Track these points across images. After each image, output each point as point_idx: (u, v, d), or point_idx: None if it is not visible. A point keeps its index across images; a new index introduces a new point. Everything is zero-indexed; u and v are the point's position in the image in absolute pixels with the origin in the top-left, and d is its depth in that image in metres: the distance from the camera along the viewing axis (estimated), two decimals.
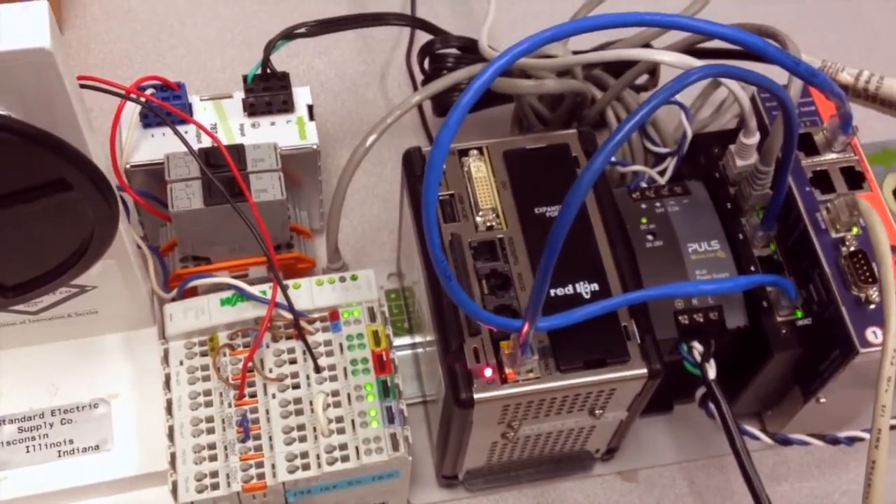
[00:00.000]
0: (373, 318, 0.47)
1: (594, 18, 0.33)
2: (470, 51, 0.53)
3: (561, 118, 0.53)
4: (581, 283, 0.42)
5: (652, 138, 0.54)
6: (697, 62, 0.41)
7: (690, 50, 0.50)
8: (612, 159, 0.52)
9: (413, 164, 0.46)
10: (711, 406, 0.44)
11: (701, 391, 0.44)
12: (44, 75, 0.33)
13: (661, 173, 0.51)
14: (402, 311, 0.55)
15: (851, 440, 0.45)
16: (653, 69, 0.56)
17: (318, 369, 0.45)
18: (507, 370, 0.40)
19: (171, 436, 0.44)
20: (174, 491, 0.43)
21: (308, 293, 0.47)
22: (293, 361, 0.46)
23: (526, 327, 0.37)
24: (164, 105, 0.48)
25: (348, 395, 0.45)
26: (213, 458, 0.44)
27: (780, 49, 0.35)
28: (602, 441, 0.47)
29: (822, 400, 0.45)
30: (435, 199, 0.35)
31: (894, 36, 0.69)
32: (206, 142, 0.50)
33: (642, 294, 0.41)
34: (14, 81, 0.32)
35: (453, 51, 0.54)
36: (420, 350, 0.51)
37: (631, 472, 0.50)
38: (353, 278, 0.48)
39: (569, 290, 0.42)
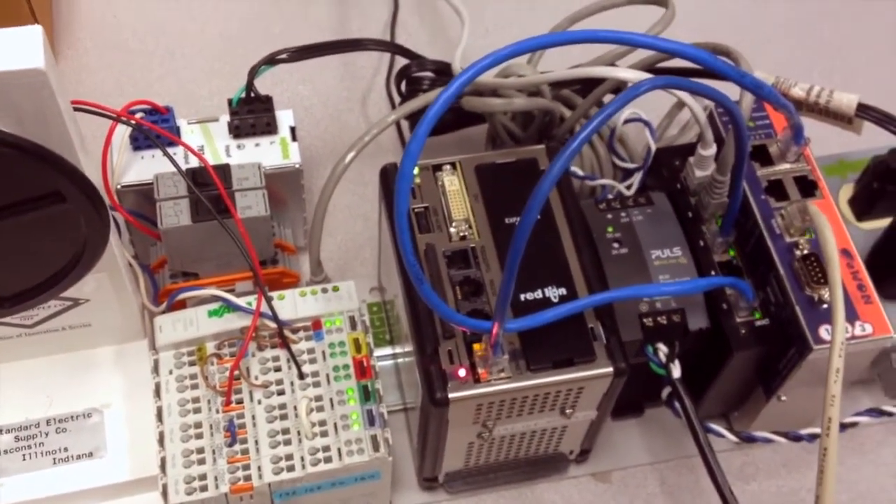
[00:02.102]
0: (353, 326, 0.49)
1: (550, 36, 0.36)
2: (444, 73, 0.56)
3: (532, 136, 0.56)
4: (549, 287, 0.44)
5: (620, 155, 0.57)
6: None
7: (651, 69, 0.52)
8: (582, 173, 0.54)
9: (389, 179, 0.48)
10: (677, 404, 0.46)
11: (667, 391, 0.47)
12: (38, 94, 0.35)
13: (629, 187, 0.54)
14: (384, 323, 0.57)
15: (813, 437, 0.48)
16: (619, 88, 0.58)
17: (301, 376, 0.48)
18: (480, 370, 0.42)
19: (161, 441, 0.46)
20: (164, 493, 0.45)
21: (292, 304, 0.49)
22: (278, 369, 0.48)
23: (495, 327, 0.40)
24: (153, 127, 0.51)
25: (331, 400, 0.47)
26: (202, 462, 0.46)
27: (727, 63, 0.38)
28: (575, 442, 0.49)
29: (784, 398, 0.47)
30: (406, 206, 0.37)
31: (853, 51, 0.72)
32: (194, 162, 0.52)
33: (606, 296, 0.43)
34: (10, 100, 0.35)
35: (429, 74, 0.56)
36: (400, 360, 0.53)
37: (604, 474, 0.52)
38: (335, 289, 0.50)
39: (538, 294, 0.44)
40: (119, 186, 0.52)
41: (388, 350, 0.55)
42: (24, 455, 0.48)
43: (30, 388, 0.50)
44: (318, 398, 0.47)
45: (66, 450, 0.48)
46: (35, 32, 0.35)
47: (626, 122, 0.55)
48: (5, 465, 0.48)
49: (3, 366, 0.50)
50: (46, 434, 0.49)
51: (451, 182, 0.47)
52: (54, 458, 0.48)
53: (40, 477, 0.48)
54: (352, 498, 0.49)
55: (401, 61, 0.60)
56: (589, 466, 0.52)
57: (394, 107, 0.66)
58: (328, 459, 0.45)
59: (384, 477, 0.47)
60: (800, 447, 0.52)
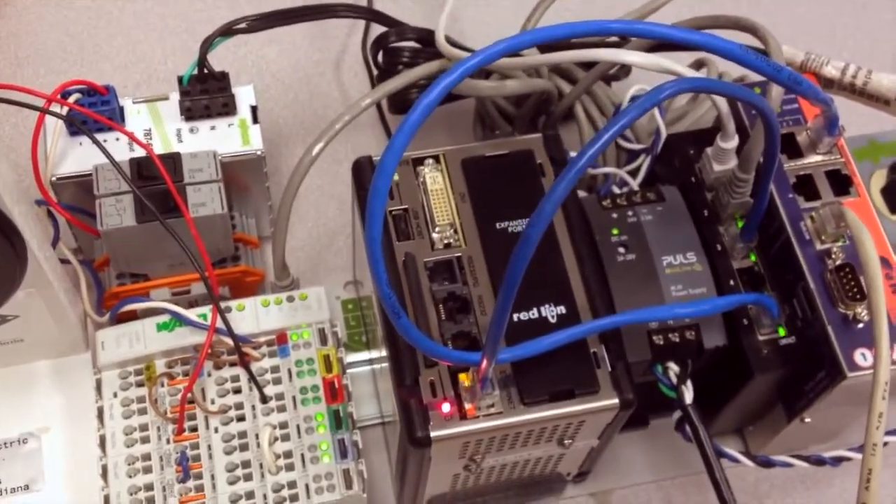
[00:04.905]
0: (324, 341, 0.44)
1: (555, 29, 0.30)
2: (428, 43, 0.49)
3: (527, 114, 0.50)
4: (546, 305, 0.38)
5: (625, 135, 0.50)
6: (667, 62, 0.37)
7: (662, 45, 0.46)
8: None
9: (363, 175, 0.42)
10: (688, 430, 0.41)
11: (678, 414, 0.41)
12: None
13: (633, 173, 0.48)
14: (360, 322, 0.51)
15: (837, 460, 0.43)
16: None
17: (264, 399, 0.42)
18: (467, 405, 0.37)
19: (104, 475, 0.41)
20: None
21: (253, 315, 0.44)
22: (237, 391, 0.43)
23: (484, 363, 0.34)
24: (90, 113, 0.44)
25: (298, 427, 0.42)
26: (151, 501, 0.40)
27: (760, 56, 0.31)
28: (573, 465, 0.44)
29: (808, 420, 0.42)
30: (379, 231, 0.31)
31: (882, 4, 0.65)
32: (141, 150, 0.46)
33: (611, 321, 0.37)
34: None
35: (409, 44, 0.50)
36: (378, 366, 0.48)
37: (605, 493, 0.47)
38: (302, 297, 0.44)
39: (533, 314, 0.38)
40: (54, 178, 0.45)
41: (364, 355, 0.50)
42: None
43: None
44: (283, 425, 0.42)
45: None
46: None
47: (633, 99, 0.49)
48: None
49: None
50: None
51: (434, 179, 0.41)
52: None
53: None
54: None
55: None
56: (588, 486, 0.47)
57: (370, 72, 0.60)
58: (294, 498, 0.40)
59: None
60: None
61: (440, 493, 0.44)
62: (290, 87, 0.60)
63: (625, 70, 0.54)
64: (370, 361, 0.49)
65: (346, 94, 0.60)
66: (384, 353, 0.43)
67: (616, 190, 0.46)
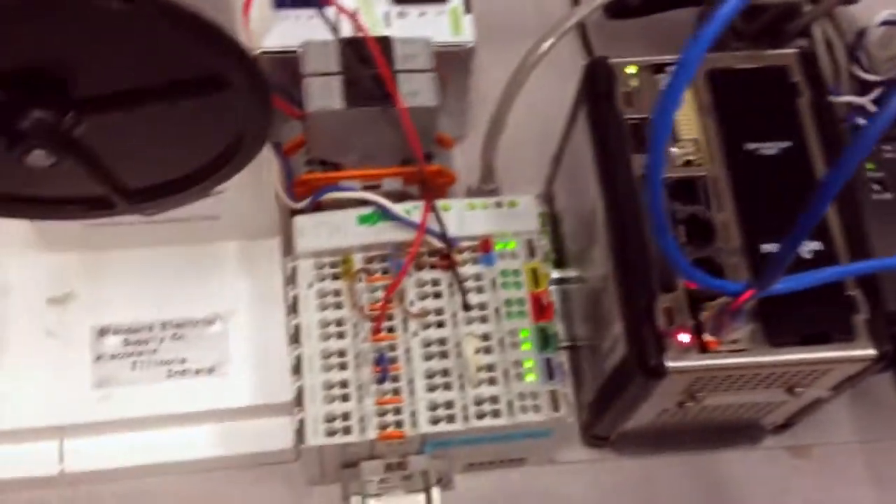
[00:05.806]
0: (532, 253, 0.41)
1: None
2: None
3: (757, 30, 0.45)
4: None
5: (861, 62, 0.46)
6: None
7: None
8: None
9: (597, 79, 0.39)
10: None
11: None
12: None
13: (875, 102, 0.43)
14: (551, 238, 0.48)
15: None
16: None
17: (467, 307, 0.40)
18: (708, 337, 0.34)
19: (297, 368, 0.39)
20: (300, 431, 0.38)
21: (457, 217, 0.41)
22: (438, 295, 0.40)
23: (750, 292, 0.31)
24: None
25: (501, 341, 0.39)
26: (346, 398, 0.38)
27: None
28: (783, 416, 0.41)
29: None
30: (664, 140, 0.28)
31: None
32: (347, 31, 0.43)
33: (881, 263, 0.34)
34: None
35: None
36: (572, 286, 0.45)
37: (803, 448, 0.44)
38: (511, 205, 0.41)
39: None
40: (257, 52, 0.43)
41: (554, 273, 0.46)
42: (134, 362, 0.41)
43: (143, 283, 0.43)
44: (486, 336, 0.39)
45: (183, 361, 0.42)
46: None
47: (884, 24, 0.44)
48: (112, 372, 0.41)
49: (112, 254, 0.43)
50: (161, 340, 0.42)
51: None
52: (169, 370, 0.41)
53: (152, 390, 0.41)
54: (510, 452, 0.41)
55: None
56: (785, 438, 0.44)
57: None
58: (496, 413, 0.38)
59: (555, 436, 0.40)
60: None
61: (636, 426, 0.42)
62: None
63: None
64: (561, 281, 0.46)
65: None
66: (588, 272, 0.40)
67: (861, 121, 0.42)
